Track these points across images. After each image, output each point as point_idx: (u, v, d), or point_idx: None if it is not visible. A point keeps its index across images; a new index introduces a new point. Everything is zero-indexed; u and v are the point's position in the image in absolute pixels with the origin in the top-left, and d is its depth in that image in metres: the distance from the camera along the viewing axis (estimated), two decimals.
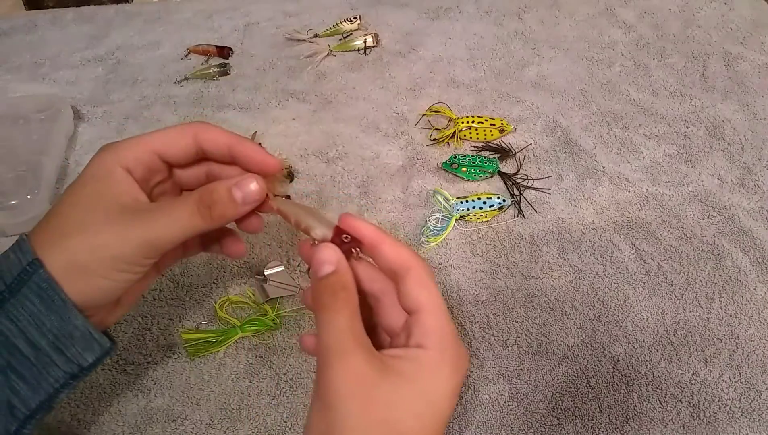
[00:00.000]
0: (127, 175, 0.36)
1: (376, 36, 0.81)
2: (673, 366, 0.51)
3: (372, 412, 0.30)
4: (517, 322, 0.54)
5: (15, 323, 0.33)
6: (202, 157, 0.39)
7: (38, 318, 0.33)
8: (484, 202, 0.61)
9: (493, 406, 0.49)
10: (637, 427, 0.48)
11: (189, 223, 0.35)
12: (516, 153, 0.67)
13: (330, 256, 0.34)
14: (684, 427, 0.48)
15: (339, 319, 0.32)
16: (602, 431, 0.48)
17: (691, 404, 0.49)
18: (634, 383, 0.50)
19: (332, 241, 0.35)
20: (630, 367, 0.51)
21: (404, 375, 0.31)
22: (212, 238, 0.43)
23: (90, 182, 0.36)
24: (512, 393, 0.50)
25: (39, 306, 0.33)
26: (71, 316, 0.34)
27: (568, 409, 0.49)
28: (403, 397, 0.31)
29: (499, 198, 0.61)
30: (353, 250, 0.35)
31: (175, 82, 0.77)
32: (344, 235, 0.35)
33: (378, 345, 0.34)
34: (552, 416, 0.49)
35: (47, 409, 0.35)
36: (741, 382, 0.50)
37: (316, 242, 0.36)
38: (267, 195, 0.37)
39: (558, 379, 0.50)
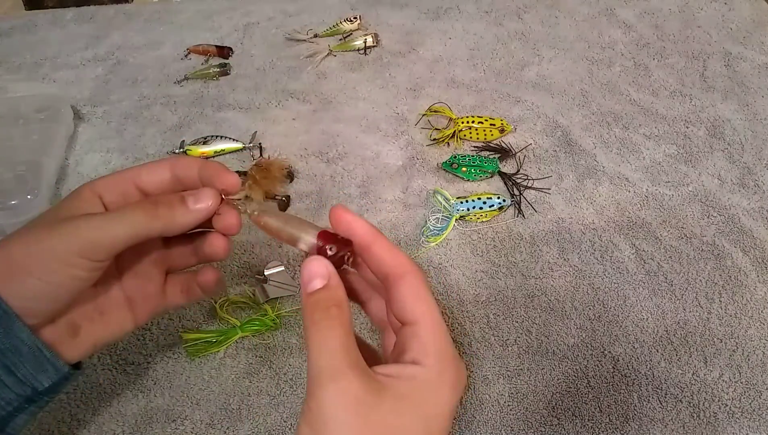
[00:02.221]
0: (95, 196, 0.36)
1: (376, 36, 0.81)
2: (673, 366, 0.51)
3: None
4: (517, 322, 0.54)
5: None
6: (179, 187, 0.39)
7: None
8: (484, 202, 0.61)
9: (493, 406, 0.49)
10: (637, 427, 0.48)
11: (134, 220, 0.34)
12: (516, 153, 0.67)
13: (320, 270, 0.32)
14: (684, 427, 0.48)
15: (331, 338, 0.30)
16: (602, 431, 0.48)
17: (691, 404, 0.49)
18: (634, 383, 0.50)
19: (318, 251, 0.33)
20: (630, 367, 0.51)
21: (402, 397, 0.30)
22: (190, 254, 0.42)
23: (60, 204, 0.36)
24: (512, 393, 0.50)
25: None
26: (15, 329, 0.32)
27: (568, 409, 0.49)
28: (403, 421, 0.29)
29: (499, 198, 0.61)
30: (344, 259, 0.33)
31: (175, 82, 0.76)
32: (329, 246, 0.33)
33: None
34: (552, 416, 0.49)
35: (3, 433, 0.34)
36: (741, 382, 0.50)
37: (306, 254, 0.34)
38: (256, 214, 0.37)
39: (558, 379, 0.50)
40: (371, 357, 0.34)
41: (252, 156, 0.67)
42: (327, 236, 0.33)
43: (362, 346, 0.35)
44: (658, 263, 0.58)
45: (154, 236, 0.36)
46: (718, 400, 0.49)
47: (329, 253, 0.33)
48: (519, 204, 0.62)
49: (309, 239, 0.34)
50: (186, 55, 0.80)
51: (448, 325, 0.49)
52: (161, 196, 0.37)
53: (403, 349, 0.32)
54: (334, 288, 0.32)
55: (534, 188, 0.64)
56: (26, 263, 0.32)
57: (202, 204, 0.36)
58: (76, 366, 0.37)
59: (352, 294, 0.37)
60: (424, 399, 0.30)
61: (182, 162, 0.38)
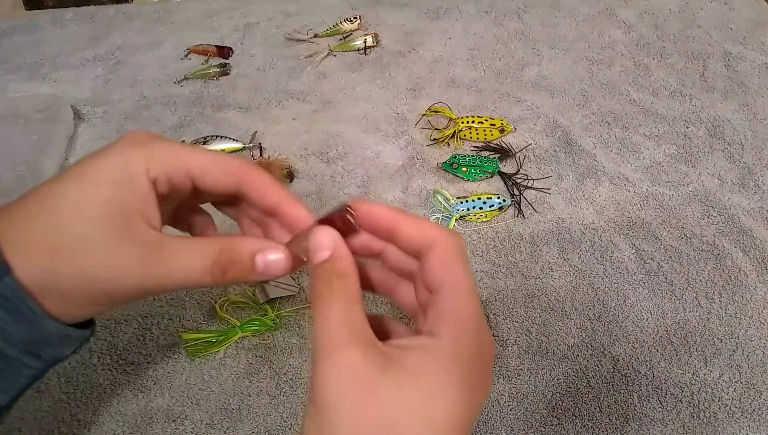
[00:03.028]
0: (152, 188, 0.31)
1: (376, 36, 0.81)
2: (673, 366, 0.51)
3: (369, 415, 0.26)
4: (517, 322, 0.54)
5: None
6: (239, 198, 0.35)
7: (3, 330, 0.30)
8: (484, 202, 0.61)
9: (493, 406, 0.49)
10: (637, 427, 0.48)
11: (195, 279, 0.31)
12: (516, 153, 0.67)
13: (324, 241, 0.30)
14: (684, 427, 0.48)
15: (332, 310, 0.28)
16: (602, 431, 0.48)
17: (691, 404, 0.49)
18: (634, 383, 0.50)
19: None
20: (630, 367, 0.51)
21: (409, 369, 0.27)
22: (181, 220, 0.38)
23: (106, 183, 0.30)
24: (512, 393, 0.50)
25: (3, 317, 0.29)
26: (44, 325, 0.30)
27: (568, 409, 0.49)
28: (408, 396, 0.26)
29: (499, 198, 0.61)
30: (347, 218, 0.32)
31: (175, 82, 0.77)
32: (329, 216, 0.32)
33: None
34: (552, 416, 0.49)
35: (19, 398, 0.33)
36: (741, 382, 0.50)
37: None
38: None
39: (558, 379, 0.50)
40: (400, 333, 0.32)
41: (252, 156, 0.67)
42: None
43: (389, 322, 0.33)
44: (658, 263, 0.58)
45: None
46: (718, 400, 0.49)
47: (348, 219, 0.32)
48: (519, 204, 0.62)
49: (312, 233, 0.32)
50: (186, 55, 0.80)
51: None
52: (229, 253, 0.32)
53: (424, 319, 0.30)
54: (338, 259, 0.30)
55: (534, 188, 0.64)
56: (74, 297, 0.30)
57: (271, 273, 0.33)
58: (90, 321, 0.35)
59: (377, 286, 0.35)
60: (432, 372, 0.27)
61: (257, 184, 0.34)
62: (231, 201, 0.36)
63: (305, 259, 0.32)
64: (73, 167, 0.31)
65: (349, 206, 0.32)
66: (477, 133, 0.68)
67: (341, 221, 0.32)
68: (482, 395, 0.29)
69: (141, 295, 0.31)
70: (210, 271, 0.31)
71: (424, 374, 0.27)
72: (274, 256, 0.32)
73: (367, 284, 0.34)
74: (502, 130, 0.68)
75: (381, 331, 0.33)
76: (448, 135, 0.68)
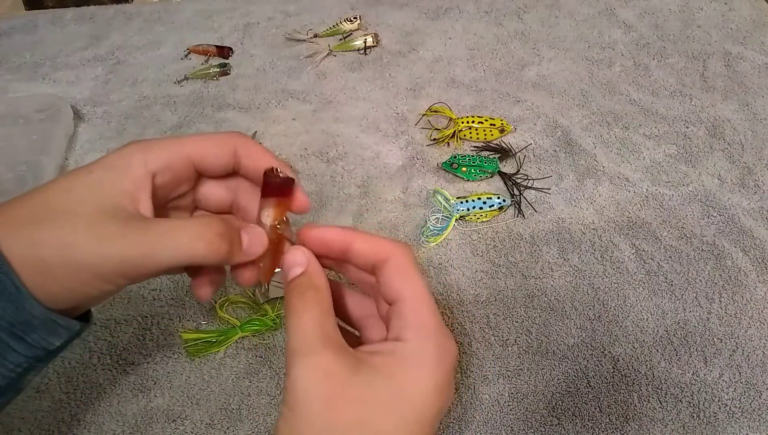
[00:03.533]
0: (147, 178, 0.32)
1: (376, 36, 0.81)
2: (673, 366, 0.51)
3: (340, 413, 0.28)
4: (517, 322, 0.54)
5: None
6: (236, 172, 0.36)
7: None
8: (484, 202, 0.61)
9: (493, 406, 0.49)
10: (637, 427, 0.48)
11: (187, 247, 0.31)
12: (516, 153, 0.67)
13: (298, 258, 0.32)
14: (684, 427, 0.48)
15: (305, 319, 0.30)
16: (602, 431, 0.48)
17: (691, 404, 0.49)
18: (634, 383, 0.50)
19: (265, 180, 0.34)
20: (630, 367, 0.51)
21: (379, 370, 0.29)
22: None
23: (98, 169, 0.31)
24: (512, 393, 0.50)
25: None
26: (27, 305, 0.29)
27: (568, 409, 0.49)
28: (378, 394, 0.28)
29: (499, 198, 0.61)
30: (274, 174, 0.34)
31: (175, 82, 0.77)
32: (272, 171, 0.34)
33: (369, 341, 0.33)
34: (552, 416, 0.49)
35: (14, 391, 0.32)
36: (741, 382, 0.50)
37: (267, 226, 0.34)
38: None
39: (558, 379, 0.50)
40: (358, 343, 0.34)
41: None
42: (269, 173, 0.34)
43: (350, 334, 0.35)
44: (658, 263, 0.58)
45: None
46: (718, 400, 0.49)
47: (276, 177, 0.34)
48: (519, 204, 0.62)
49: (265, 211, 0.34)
50: (186, 55, 0.80)
51: (448, 324, 0.49)
52: (221, 218, 0.32)
53: (387, 328, 0.31)
54: (311, 274, 0.32)
55: (534, 188, 0.64)
56: (57, 270, 0.29)
57: (254, 249, 0.34)
58: (87, 316, 0.35)
59: (349, 321, 0.36)
60: (404, 373, 0.29)
61: (250, 151, 0.35)
62: (230, 190, 0.37)
63: (279, 238, 0.35)
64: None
65: (272, 169, 0.34)
66: (477, 133, 0.68)
67: (276, 182, 0.34)
68: (446, 397, 0.30)
69: (129, 273, 0.30)
70: (200, 239, 0.31)
71: (393, 375, 0.29)
72: (256, 232, 0.33)
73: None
74: (502, 130, 0.68)
75: (352, 343, 0.35)
76: (448, 135, 0.68)
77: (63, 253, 0.29)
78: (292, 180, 0.35)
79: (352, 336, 0.36)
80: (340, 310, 0.36)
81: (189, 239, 0.31)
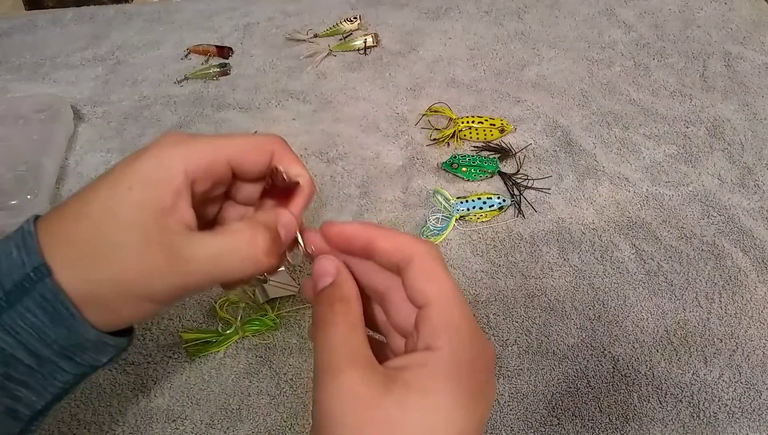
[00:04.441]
0: (187, 186, 0.31)
1: (376, 36, 0.81)
2: (673, 366, 0.51)
3: None
4: (517, 322, 0.54)
5: (13, 336, 0.29)
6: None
7: (41, 330, 0.29)
8: (484, 202, 0.61)
9: (493, 406, 0.49)
10: (637, 427, 0.48)
11: (238, 270, 0.30)
12: (516, 153, 0.67)
13: (328, 267, 0.31)
14: (684, 427, 0.48)
15: (333, 333, 0.29)
16: (602, 431, 0.48)
17: (691, 404, 0.49)
18: (634, 383, 0.50)
19: (272, 182, 0.33)
20: (630, 367, 0.51)
21: (411, 388, 0.27)
22: None
23: (138, 185, 0.30)
24: (512, 393, 0.50)
25: (42, 318, 0.29)
26: (81, 330, 0.30)
27: (568, 409, 0.49)
28: (411, 416, 0.26)
29: (499, 198, 0.61)
30: (280, 177, 0.33)
31: (175, 82, 0.77)
32: (275, 171, 0.33)
33: (394, 351, 0.31)
34: (552, 416, 0.49)
35: (55, 404, 0.33)
36: (741, 382, 0.50)
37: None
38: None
39: (558, 379, 0.50)
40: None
41: None
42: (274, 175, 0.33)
43: (377, 343, 0.33)
44: (658, 263, 0.58)
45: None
46: (718, 400, 0.49)
47: (281, 178, 0.33)
48: (519, 204, 0.62)
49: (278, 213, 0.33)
50: (186, 55, 0.80)
51: None
52: (272, 240, 0.31)
53: (417, 336, 0.29)
54: (340, 284, 0.31)
55: (534, 188, 0.64)
56: (113, 304, 0.30)
57: (288, 240, 0.33)
58: (129, 329, 0.35)
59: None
60: (435, 387, 0.27)
61: (286, 158, 0.34)
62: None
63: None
64: (109, 170, 0.31)
65: (275, 168, 0.33)
66: (477, 133, 0.68)
67: (281, 182, 0.33)
68: (486, 403, 0.28)
69: (183, 294, 0.31)
70: (257, 261, 0.30)
71: (426, 391, 0.27)
72: (286, 217, 0.32)
73: None
74: (502, 130, 0.68)
75: (382, 353, 0.33)
76: (448, 135, 0.68)
77: (119, 289, 0.29)
78: (297, 184, 0.33)
79: (379, 344, 0.34)
80: (367, 316, 0.34)
81: (240, 262, 0.30)
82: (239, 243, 0.31)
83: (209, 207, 0.36)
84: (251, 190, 0.36)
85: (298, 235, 0.33)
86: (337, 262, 0.32)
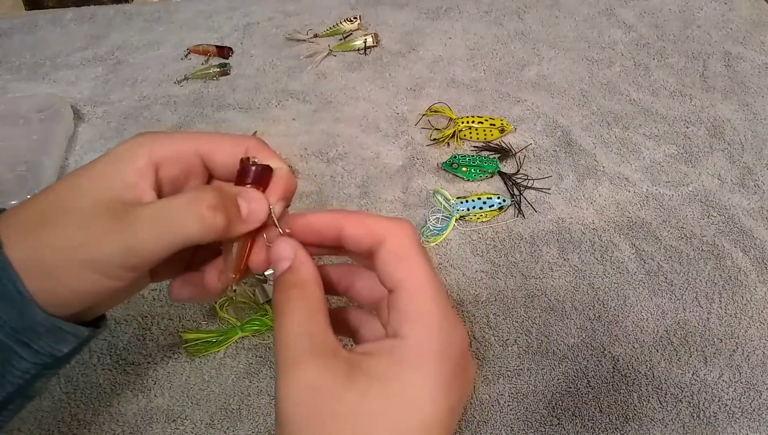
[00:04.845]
0: (150, 168, 0.30)
1: (376, 36, 0.81)
2: (673, 366, 0.51)
3: (330, 432, 0.25)
4: (517, 322, 0.54)
5: None
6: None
7: None
8: (484, 202, 0.61)
9: (493, 406, 0.49)
10: (637, 427, 0.48)
11: (183, 227, 0.29)
12: (516, 153, 0.67)
13: (285, 251, 0.30)
14: (684, 427, 0.48)
15: (291, 322, 0.27)
16: (602, 431, 0.48)
17: (691, 404, 0.49)
18: (634, 383, 0.50)
19: (242, 170, 0.31)
20: (630, 367, 0.51)
21: (374, 376, 0.25)
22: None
23: (102, 162, 0.30)
24: (512, 393, 0.50)
25: None
26: (30, 311, 0.28)
27: (568, 409, 0.49)
28: (373, 405, 0.25)
29: (499, 198, 0.61)
30: (248, 166, 0.31)
31: (175, 82, 0.77)
32: (248, 161, 0.31)
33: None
34: (552, 416, 0.49)
35: (24, 398, 0.32)
36: (741, 382, 0.50)
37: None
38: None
39: (558, 379, 0.50)
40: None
41: None
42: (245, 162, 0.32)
43: (354, 314, 0.32)
44: (658, 263, 0.58)
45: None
46: (718, 400, 0.49)
47: (252, 165, 0.32)
48: (519, 204, 0.62)
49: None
50: (186, 55, 0.80)
51: None
52: (213, 190, 0.30)
53: (387, 323, 0.28)
54: (296, 269, 0.29)
55: (534, 188, 0.64)
56: (58, 269, 0.28)
57: (255, 216, 0.31)
58: (99, 320, 0.33)
59: (335, 285, 0.33)
60: (399, 375, 0.25)
61: (262, 154, 0.33)
62: None
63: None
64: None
65: (247, 158, 0.32)
66: (477, 133, 0.68)
67: (253, 174, 0.32)
68: (460, 392, 0.27)
69: (131, 262, 0.29)
70: (197, 215, 0.29)
71: (390, 379, 0.25)
72: (254, 198, 0.31)
73: (327, 287, 0.32)
74: (502, 130, 0.68)
75: (348, 324, 0.32)
76: (448, 135, 0.68)
77: (63, 254, 0.28)
78: (269, 167, 0.32)
79: (348, 316, 0.33)
80: (352, 294, 0.33)
81: (184, 218, 0.29)
82: (182, 199, 0.30)
83: None
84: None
85: (274, 218, 0.31)
86: (294, 243, 0.30)
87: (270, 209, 0.32)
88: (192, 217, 0.29)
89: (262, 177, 0.32)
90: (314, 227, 0.30)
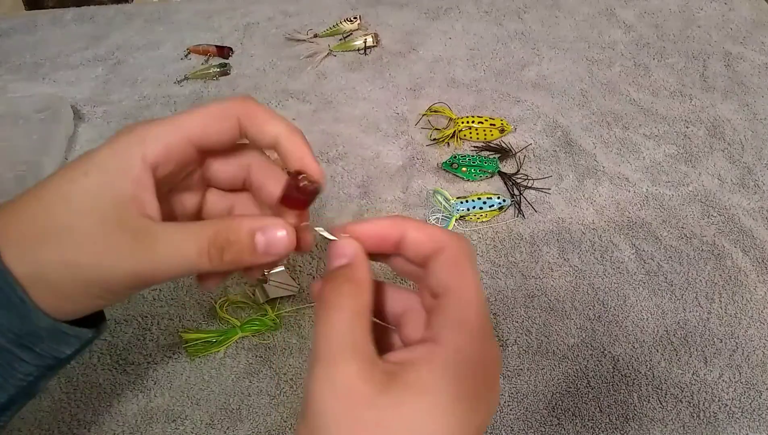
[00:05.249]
0: (147, 174, 0.29)
1: (376, 36, 0.81)
2: (673, 366, 0.51)
3: None
4: (517, 322, 0.54)
5: None
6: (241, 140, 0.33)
7: None
8: (484, 202, 0.61)
9: None
10: (637, 427, 0.48)
11: (193, 262, 0.29)
12: (516, 153, 0.67)
13: (346, 249, 0.29)
14: (684, 427, 0.48)
15: (336, 317, 0.26)
16: (602, 431, 0.48)
17: (691, 404, 0.49)
18: (634, 383, 0.50)
19: (290, 187, 0.30)
20: (630, 367, 0.51)
21: (410, 386, 0.25)
22: None
23: (95, 172, 0.29)
24: (512, 393, 0.50)
25: None
26: (33, 318, 0.29)
27: (568, 409, 0.49)
28: (405, 416, 0.24)
29: (499, 198, 0.61)
30: (302, 185, 0.30)
31: (175, 82, 0.76)
32: (298, 178, 0.30)
33: (403, 340, 0.30)
34: (552, 416, 0.49)
35: (27, 397, 0.32)
36: (741, 382, 0.50)
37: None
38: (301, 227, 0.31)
39: (558, 379, 0.50)
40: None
41: None
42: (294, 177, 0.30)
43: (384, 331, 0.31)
44: (658, 263, 0.58)
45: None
46: (718, 400, 0.49)
47: (301, 183, 0.30)
48: (519, 204, 0.62)
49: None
50: (186, 55, 0.80)
51: None
52: (226, 232, 0.30)
53: (426, 327, 0.28)
54: (354, 266, 0.28)
55: (534, 188, 0.64)
56: (63, 288, 0.28)
57: (275, 252, 0.30)
58: (100, 318, 0.33)
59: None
60: (436, 386, 0.25)
61: (256, 120, 0.31)
62: (239, 170, 0.34)
63: (302, 227, 0.31)
64: (69, 162, 0.30)
65: (297, 172, 0.30)
66: (477, 133, 0.68)
67: (298, 191, 0.30)
68: (487, 410, 0.27)
69: (138, 284, 0.30)
70: (206, 253, 0.29)
71: (424, 390, 0.25)
72: (275, 234, 0.30)
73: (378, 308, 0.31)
74: (502, 130, 0.68)
75: (385, 342, 0.32)
76: (448, 135, 0.68)
77: (70, 273, 0.28)
78: (318, 189, 0.30)
79: (386, 331, 0.32)
80: (377, 307, 0.32)
81: (188, 252, 0.29)
82: (188, 231, 0.29)
83: (186, 195, 0.34)
84: (230, 172, 0.34)
85: (326, 234, 0.30)
86: (356, 244, 0.29)
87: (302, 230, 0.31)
88: (195, 252, 0.29)
89: (308, 200, 0.30)
90: (377, 232, 0.30)
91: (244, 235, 0.30)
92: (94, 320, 0.33)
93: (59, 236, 0.28)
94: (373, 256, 0.31)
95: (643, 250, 0.59)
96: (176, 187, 0.33)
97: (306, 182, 0.30)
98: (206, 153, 0.32)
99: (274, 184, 0.33)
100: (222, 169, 0.34)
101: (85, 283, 0.28)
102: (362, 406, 0.24)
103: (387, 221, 0.30)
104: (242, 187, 0.35)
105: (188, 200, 0.35)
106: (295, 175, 0.30)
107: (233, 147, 0.33)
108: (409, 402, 0.24)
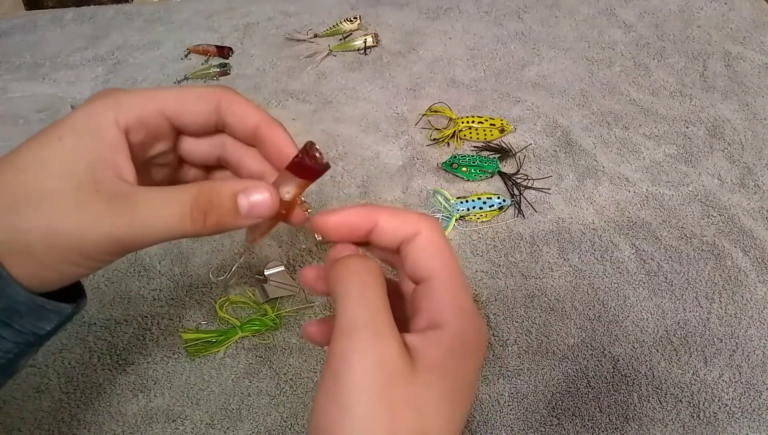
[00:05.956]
0: (122, 138, 0.29)
1: (376, 36, 0.81)
2: (673, 366, 0.51)
3: (401, 421, 0.24)
4: (517, 322, 0.54)
5: None
6: (220, 130, 0.33)
7: None
8: (484, 202, 0.61)
9: (493, 406, 0.49)
10: (637, 427, 0.48)
11: (175, 226, 0.29)
12: (516, 153, 0.67)
13: (349, 248, 0.29)
14: (684, 427, 0.48)
15: (371, 290, 0.26)
16: (602, 431, 0.48)
17: (691, 404, 0.49)
18: (634, 383, 0.50)
19: (303, 159, 0.30)
20: (630, 367, 0.51)
21: (432, 369, 0.25)
22: None
23: (69, 135, 0.28)
24: (512, 393, 0.50)
25: None
26: (11, 291, 0.27)
27: (568, 409, 0.49)
28: (433, 399, 0.25)
29: (499, 198, 0.61)
30: (315, 155, 0.30)
31: (175, 82, 0.76)
32: (308, 151, 0.30)
33: None
34: (552, 416, 0.49)
35: (6, 375, 0.31)
36: (741, 382, 0.50)
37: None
38: (296, 201, 0.31)
39: (558, 379, 0.50)
40: None
41: None
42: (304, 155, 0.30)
43: None
44: (658, 263, 0.58)
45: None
46: (718, 400, 0.49)
47: (315, 155, 0.30)
48: (519, 204, 0.62)
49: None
50: (186, 55, 0.80)
51: None
52: (208, 194, 0.29)
53: (415, 312, 0.28)
54: (368, 258, 0.28)
55: (534, 188, 0.64)
56: (41, 254, 0.27)
57: (257, 214, 0.30)
58: (79, 294, 0.32)
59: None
60: (452, 368, 0.26)
61: (236, 107, 0.31)
62: (217, 152, 0.34)
63: (290, 201, 0.31)
64: (42, 128, 0.29)
65: (311, 143, 0.30)
66: (477, 133, 0.68)
67: (311, 159, 0.30)
68: (475, 385, 0.28)
69: (118, 250, 0.29)
70: (189, 216, 0.28)
71: (445, 374, 0.25)
72: (258, 196, 0.29)
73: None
74: (502, 130, 0.68)
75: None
76: (448, 135, 0.68)
77: (48, 239, 0.27)
78: (329, 165, 0.31)
79: None
80: None
81: (169, 217, 0.28)
82: (167, 195, 0.29)
83: (157, 170, 0.34)
84: (204, 150, 0.34)
85: (299, 201, 0.30)
86: (354, 247, 0.30)
87: (277, 196, 0.30)
88: (176, 216, 0.28)
89: (317, 172, 0.30)
90: (349, 221, 0.29)
91: (226, 197, 0.29)
92: (74, 296, 0.32)
93: (35, 202, 0.27)
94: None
95: (643, 250, 0.59)
96: (150, 162, 0.33)
97: (320, 154, 0.30)
98: (183, 132, 0.32)
99: (250, 160, 0.33)
100: (194, 147, 0.33)
101: (63, 250, 0.28)
102: (399, 384, 0.24)
103: (357, 210, 0.29)
104: (216, 163, 0.35)
105: (159, 173, 0.34)
106: (311, 145, 0.30)
107: (211, 132, 0.33)
108: (434, 383, 0.25)
